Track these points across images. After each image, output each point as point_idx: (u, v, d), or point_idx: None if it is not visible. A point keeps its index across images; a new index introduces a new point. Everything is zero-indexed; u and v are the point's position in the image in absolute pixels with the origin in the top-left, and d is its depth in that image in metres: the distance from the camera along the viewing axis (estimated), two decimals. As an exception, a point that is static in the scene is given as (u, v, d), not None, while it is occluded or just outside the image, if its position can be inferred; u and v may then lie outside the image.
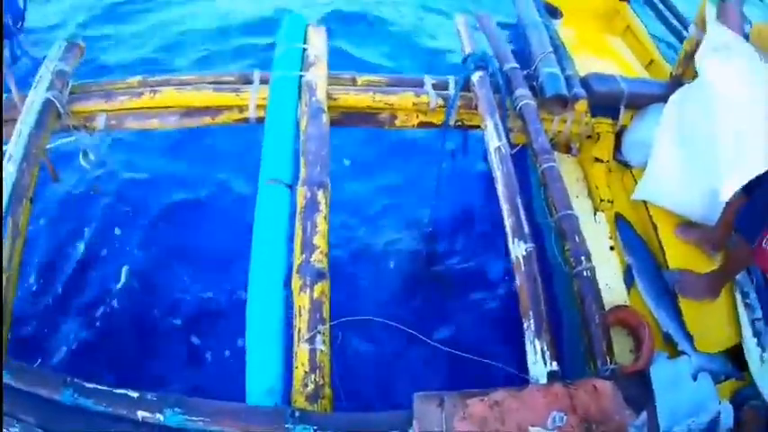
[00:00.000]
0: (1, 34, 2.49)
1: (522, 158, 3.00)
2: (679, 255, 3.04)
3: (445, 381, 2.32)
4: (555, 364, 2.03)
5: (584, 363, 2.25)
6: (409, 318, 3.07)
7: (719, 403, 2.51)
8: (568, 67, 3.26)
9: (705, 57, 2.91)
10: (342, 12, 5.03)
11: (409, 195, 3.74)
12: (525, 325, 2.14)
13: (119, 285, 3.13)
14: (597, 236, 3.18)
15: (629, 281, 3.04)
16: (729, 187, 2.55)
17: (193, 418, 1.70)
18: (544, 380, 1.98)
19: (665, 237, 3.10)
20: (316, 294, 2.03)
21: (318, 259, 2.12)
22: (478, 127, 2.92)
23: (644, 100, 3.36)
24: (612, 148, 3.46)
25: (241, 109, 2.86)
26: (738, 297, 2.87)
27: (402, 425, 1.74)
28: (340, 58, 4.28)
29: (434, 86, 3.07)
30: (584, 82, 3.23)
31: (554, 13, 4.36)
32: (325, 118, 2.66)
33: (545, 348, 2.06)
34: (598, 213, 3.31)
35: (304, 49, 2.99)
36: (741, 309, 2.84)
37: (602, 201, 3.32)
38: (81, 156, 2.82)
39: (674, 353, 2.77)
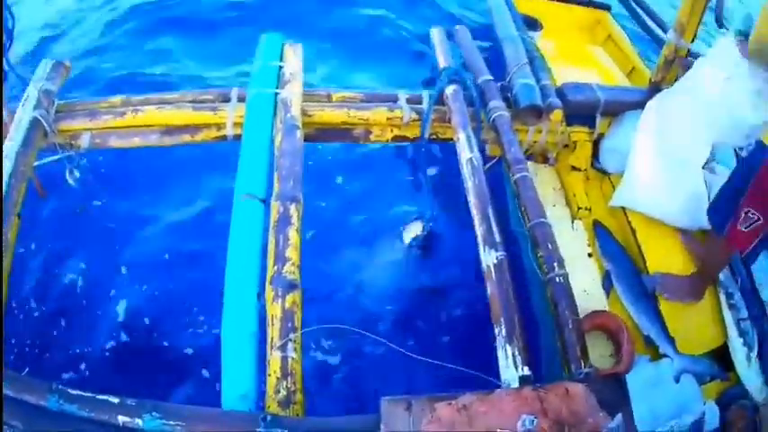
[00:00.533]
0: (1, 37, 2.57)
1: (500, 170, 3.06)
2: (659, 259, 3.07)
3: (419, 386, 2.35)
4: (527, 369, 2.06)
5: (561, 369, 2.28)
6: (387, 323, 3.14)
7: (704, 404, 2.54)
8: (544, 78, 3.30)
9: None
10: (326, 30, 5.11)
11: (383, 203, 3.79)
12: (497, 330, 2.17)
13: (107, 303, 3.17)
14: (575, 243, 3.22)
15: (607, 287, 3.07)
16: None
17: (170, 423, 1.75)
18: (516, 384, 2.01)
19: (644, 242, 3.13)
20: (287, 304, 2.08)
21: (290, 271, 2.17)
22: (452, 140, 2.97)
23: (621, 107, 3.40)
24: (590, 156, 3.50)
25: (219, 127, 2.93)
26: (723, 298, 2.91)
27: (370, 428, 1.78)
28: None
29: (408, 101, 3.13)
30: (560, 91, 3.27)
31: (534, 25, 4.41)
32: (299, 134, 2.72)
33: (516, 353, 2.09)
34: (576, 221, 3.34)
35: (280, 67, 3.06)
36: (725, 310, 2.87)
37: (579, 209, 3.35)
38: (67, 173, 2.87)
39: (656, 356, 2.80)
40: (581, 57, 4.40)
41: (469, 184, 2.64)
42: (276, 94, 2.89)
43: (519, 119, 3.16)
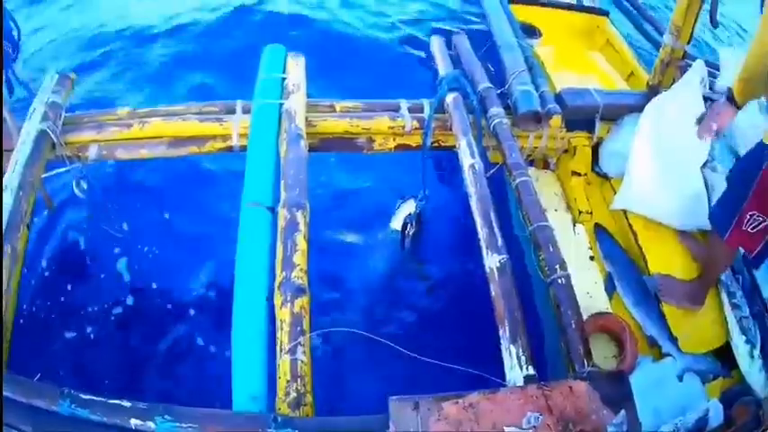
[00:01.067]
0: (0, 41, 2.61)
1: (501, 176, 3.10)
2: (660, 261, 3.09)
3: (424, 388, 2.38)
4: (531, 368, 2.09)
5: (566, 370, 2.31)
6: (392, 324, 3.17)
7: (708, 401, 2.56)
8: (543, 84, 3.35)
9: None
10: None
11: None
12: (501, 331, 2.21)
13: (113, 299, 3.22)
14: (577, 247, 3.26)
15: (610, 289, 3.10)
16: None
17: (183, 425, 1.78)
18: (521, 384, 2.03)
19: (645, 244, 3.16)
20: (296, 309, 2.12)
21: (298, 276, 2.22)
22: (454, 147, 3.01)
23: (619, 111, 3.45)
24: (590, 160, 3.54)
25: (225, 138, 2.99)
26: (724, 297, 2.92)
27: (379, 428, 1.80)
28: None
29: (410, 110, 3.18)
30: (559, 97, 3.32)
31: (532, 32, 4.47)
32: (303, 143, 2.78)
33: (520, 353, 2.12)
34: (577, 225, 3.38)
35: (283, 79, 3.11)
36: (728, 309, 2.88)
37: (581, 213, 3.39)
38: (74, 185, 2.92)
39: (659, 357, 2.82)
40: (580, 63, 4.43)
41: (471, 189, 2.69)
42: (280, 104, 2.95)
43: (519, 125, 3.21)
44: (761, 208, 2.47)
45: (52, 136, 2.78)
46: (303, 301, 2.16)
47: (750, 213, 2.50)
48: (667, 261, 3.10)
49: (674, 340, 2.84)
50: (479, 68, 3.41)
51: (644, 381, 2.64)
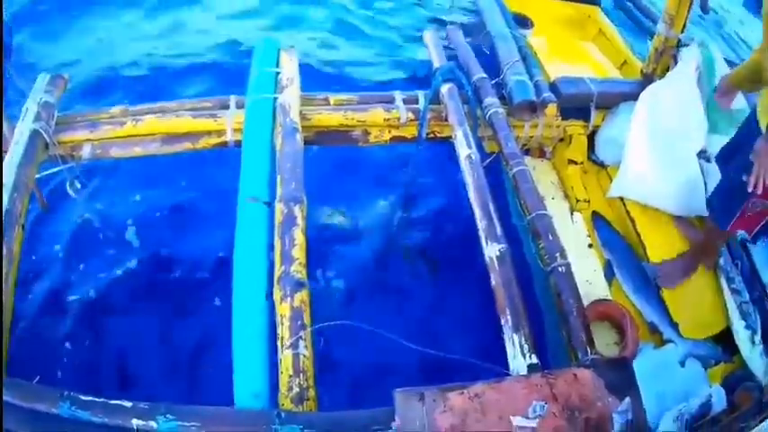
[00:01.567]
0: (1, 41, 2.59)
1: (497, 166, 3.09)
2: (658, 247, 3.10)
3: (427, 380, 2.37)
4: (534, 357, 2.09)
5: (567, 359, 2.31)
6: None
7: (710, 387, 2.56)
8: (537, 74, 3.33)
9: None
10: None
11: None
12: (503, 321, 2.20)
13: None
14: (575, 235, 3.26)
15: (609, 276, 3.11)
16: None
17: (185, 424, 1.77)
18: (524, 372, 2.03)
19: (643, 230, 3.17)
20: (296, 303, 2.11)
21: (297, 270, 2.20)
22: (450, 138, 3.01)
23: (614, 99, 3.45)
24: (586, 148, 3.54)
25: (219, 133, 2.96)
26: (724, 283, 2.93)
27: (385, 421, 1.80)
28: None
29: (405, 101, 3.17)
30: (553, 86, 3.31)
31: (524, 23, 4.45)
32: (299, 137, 2.76)
33: (523, 342, 2.12)
34: (575, 213, 3.38)
35: (277, 73, 3.09)
36: (727, 294, 2.89)
37: (578, 201, 3.39)
38: (68, 184, 2.90)
39: (661, 343, 2.83)
40: (573, 53, 4.42)
41: (469, 179, 2.68)
42: (275, 99, 2.93)
43: (514, 115, 3.20)
44: (765, 195, 2.49)
45: (45, 136, 2.76)
46: (303, 294, 2.14)
47: (752, 201, 2.52)
48: (666, 246, 3.11)
49: (674, 326, 2.84)
50: (473, 59, 3.40)
51: (646, 367, 2.63)
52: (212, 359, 2.81)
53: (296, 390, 1.91)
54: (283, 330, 2.04)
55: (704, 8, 3.33)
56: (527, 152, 3.61)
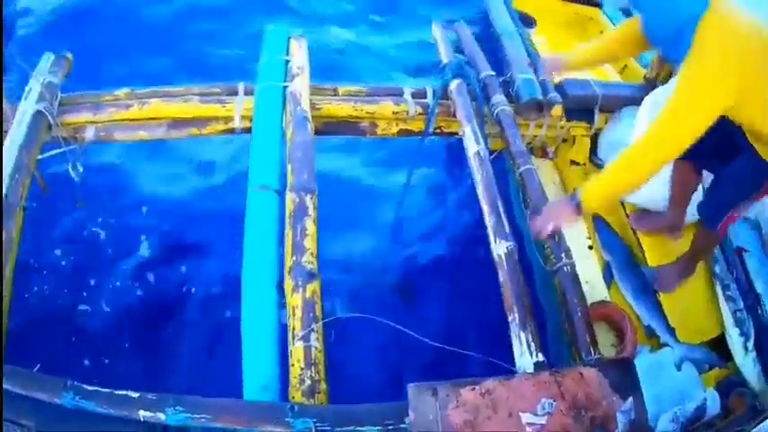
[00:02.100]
0: (1, 37, 2.54)
1: (500, 164, 3.09)
2: (657, 250, 3.13)
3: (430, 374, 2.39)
4: (541, 355, 2.10)
5: (568, 357, 2.32)
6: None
7: (705, 391, 2.60)
8: (542, 74, 3.34)
9: None
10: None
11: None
12: (510, 318, 2.21)
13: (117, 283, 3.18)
14: (576, 236, 3.25)
15: (608, 278, 3.11)
16: None
17: (195, 416, 1.73)
18: (531, 370, 2.04)
19: (641, 234, 3.19)
20: (308, 294, 2.09)
21: (309, 261, 2.18)
22: (457, 133, 3.01)
23: (618, 103, 3.46)
24: (589, 150, 3.55)
25: (227, 120, 2.93)
26: (719, 290, 2.96)
27: (398, 415, 1.80)
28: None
29: (413, 95, 3.17)
30: (559, 87, 3.32)
31: (528, 21, 4.45)
32: (309, 126, 2.75)
33: (530, 340, 2.13)
34: (576, 214, 3.38)
35: (287, 61, 3.07)
36: (722, 301, 2.92)
37: (579, 202, 3.38)
38: (70, 167, 2.85)
39: (657, 346, 2.84)
40: (573, 53, 4.43)
41: (478, 176, 2.68)
42: (285, 87, 2.90)
43: (520, 113, 3.20)
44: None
45: (48, 117, 2.71)
46: (315, 286, 2.13)
47: (745, 203, 2.55)
48: (664, 250, 3.13)
49: (671, 330, 2.87)
50: (481, 56, 3.39)
51: (643, 369, 2.66)
52: (221, 351, 2.79)
53: (308, 382, 1.90)
54: (295, 322, 2.03)
55: None
56: (530, 151, 3.61)
